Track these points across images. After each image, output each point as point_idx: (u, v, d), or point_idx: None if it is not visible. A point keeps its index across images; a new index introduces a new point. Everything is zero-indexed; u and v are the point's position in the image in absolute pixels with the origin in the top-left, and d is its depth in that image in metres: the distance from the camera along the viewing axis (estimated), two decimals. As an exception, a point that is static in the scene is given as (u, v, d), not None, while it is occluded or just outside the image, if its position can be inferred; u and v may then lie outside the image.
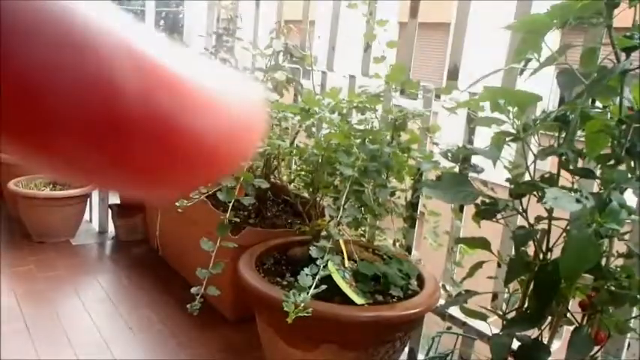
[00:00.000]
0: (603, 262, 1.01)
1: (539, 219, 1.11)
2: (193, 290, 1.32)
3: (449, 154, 1.13)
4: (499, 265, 1.47)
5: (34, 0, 0.13)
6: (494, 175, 1.23)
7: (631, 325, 1.10)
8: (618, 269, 1.02)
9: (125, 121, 0.13)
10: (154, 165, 0.14)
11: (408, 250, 1.82)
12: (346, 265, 1.46)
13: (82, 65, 0.13)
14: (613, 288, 0.97)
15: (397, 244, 1.84)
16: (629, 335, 1.24)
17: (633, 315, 1.11)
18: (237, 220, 1.60)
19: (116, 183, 0.15)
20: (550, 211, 1.07)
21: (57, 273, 2.32)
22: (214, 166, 0.15)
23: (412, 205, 1.77)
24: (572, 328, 1.07)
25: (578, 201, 0.86)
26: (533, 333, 1.13)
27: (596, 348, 1.08)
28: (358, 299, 1.37)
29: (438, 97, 1.67)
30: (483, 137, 1.23)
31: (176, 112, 0.14)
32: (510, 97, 1.03)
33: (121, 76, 0.13)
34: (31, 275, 2.26)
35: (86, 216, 2.88)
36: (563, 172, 1.09)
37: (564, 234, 1.05)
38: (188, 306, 1.29)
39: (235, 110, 0.15)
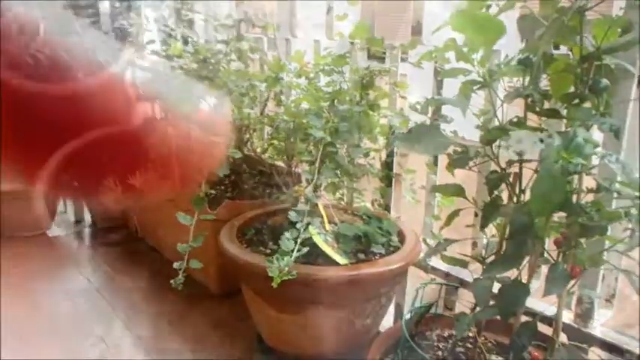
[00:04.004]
0: (574, 199, 1.04)
1: (510, 162, 1.13)
2: (176, 265, 1.32)
3: (417, 106, 1.14)
4: (476, 215, 1.50)
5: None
6: (465, 132, 1.25)
7: (605, 257, 1.14)
8: (589, 204, 1.05)
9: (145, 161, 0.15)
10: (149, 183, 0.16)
11: (387, 209, 1.84)
12: (327, 228, 1.47)
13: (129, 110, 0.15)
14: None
15: (375, 204, 1.86)
16: (603, 267, 1.28)
17: (605, 247, 1.15)
18: (214, 193, 1.59)
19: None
20: (520, 153, 1.09)
21: (35, 266, 2.29)
22: (191, 173, 0.17)
23: (387, 165, 1.79)
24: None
25: (541, 141, 0.88)
26: (512, 275, 1.16)
27: (572, 282, 1.12)
28: (341, 259, 1.38)
29: (405, 58, 1.67)
30: (452, 94, 1.24)
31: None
32: (477, 23, 1.02)
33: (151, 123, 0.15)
34: (4, 270, 2.22)
35: (61, 207, 2.84)
36: (531, 116, 1.11)
37: (535, 175, 1.07)
38: (172, 281, 1.29)
39: (206, 120, 0.17)
